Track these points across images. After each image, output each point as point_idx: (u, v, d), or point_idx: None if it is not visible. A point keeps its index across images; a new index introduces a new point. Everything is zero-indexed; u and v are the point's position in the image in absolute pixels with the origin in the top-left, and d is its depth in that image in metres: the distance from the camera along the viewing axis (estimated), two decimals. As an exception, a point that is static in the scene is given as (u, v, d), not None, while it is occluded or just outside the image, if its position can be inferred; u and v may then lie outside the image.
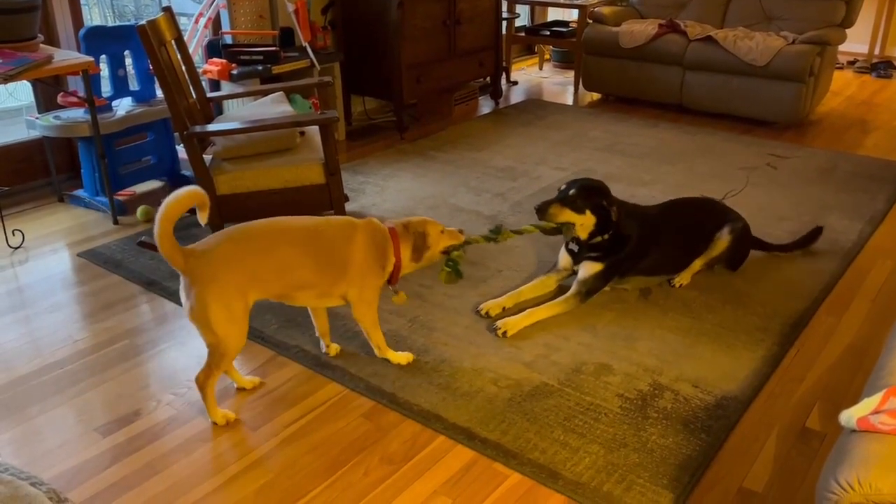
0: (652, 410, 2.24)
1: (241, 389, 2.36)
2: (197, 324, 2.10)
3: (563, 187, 2.75)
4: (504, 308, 2.75)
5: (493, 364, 2.46)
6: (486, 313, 2.72)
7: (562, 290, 2.85)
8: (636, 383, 2.36)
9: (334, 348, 2.51)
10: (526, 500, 1.93)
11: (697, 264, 2.94)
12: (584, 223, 2.70)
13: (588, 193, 2.69)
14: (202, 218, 2.09)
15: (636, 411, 2.24)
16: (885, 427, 1.33)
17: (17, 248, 3.30)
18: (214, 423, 2.21)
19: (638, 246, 2.78)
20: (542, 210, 2.68)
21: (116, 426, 2.21)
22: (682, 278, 2.91)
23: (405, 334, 2.63)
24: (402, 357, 2.46)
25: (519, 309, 2.74)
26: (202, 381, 2.17)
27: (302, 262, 2.20)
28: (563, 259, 2.87)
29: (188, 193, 2.00)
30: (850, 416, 1.41)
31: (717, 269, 3.02)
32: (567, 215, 2.68)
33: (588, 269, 2.76)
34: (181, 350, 2.57)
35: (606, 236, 2.73)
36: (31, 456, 2.09)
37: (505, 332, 2.60)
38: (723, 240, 2.92)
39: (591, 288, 2.76)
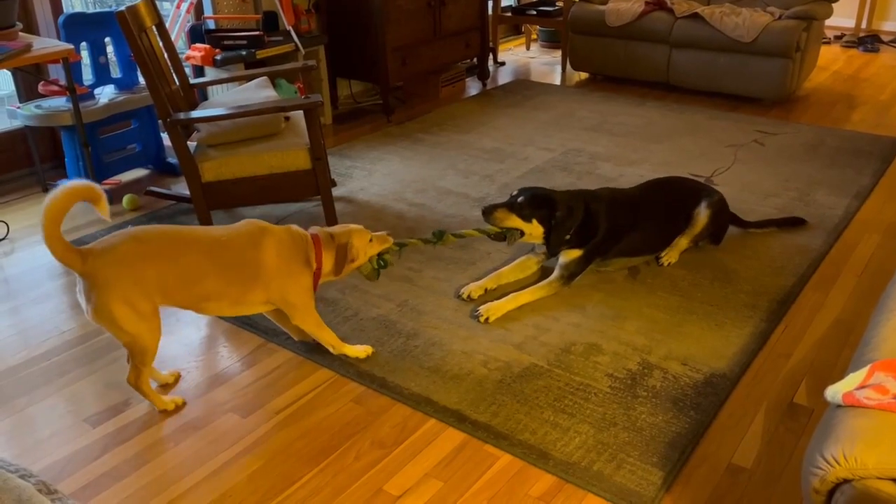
0: (641, 389, 2.25)
1: (163, 385, 2.32)
2: (104, 325, 2.05)
3: (514, 193, 2.75)
4: (486, 290, 2.75)
5: (483, 346, 2.46)
6: (468, 296, 2.72)
7: (544, 271, 2.86)
8: (625, 362, 2.37)
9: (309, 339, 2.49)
10: (517, 480, 1.94)
11: (683, 242, 2.94)
12: (532, 232, 2.69)
13: (537, 203, 2.68)
14: (102, 212, 2.00)
15: (625, 390, 2.25)
16: (869, 402, 1.34)
17: (2, 240, 3.28)
18: (164, 410, 2.20)
19: (613, 229, 2.78)
20: (487, 213, 2.66)
21: (106, 416, 2.21)
22: (670, 256, 2.92)
23: (394, 318, 2.63)
24: (361, 351, 2.41)
25: (502, 293, 2.74)
26: (134, 380, 2.15)
27: (207, 271, 2.12)
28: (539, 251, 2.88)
29: (68, 191, 1.89)
30: (835, 391, 1.42)
31: (703, 247, 3.03)
32: (513, 221, 2.66)
33: (568, 254, 2.76)
34: (169, 339, 2.56)
35: (571, 234, 2.71)
36: (20, 447, 2.08)
37: (487, 319, 2.59)
38: (702, 215, 2.93)
39: (573, 272, 2.76)
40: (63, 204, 1.90)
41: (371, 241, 2.35)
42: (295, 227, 2.30)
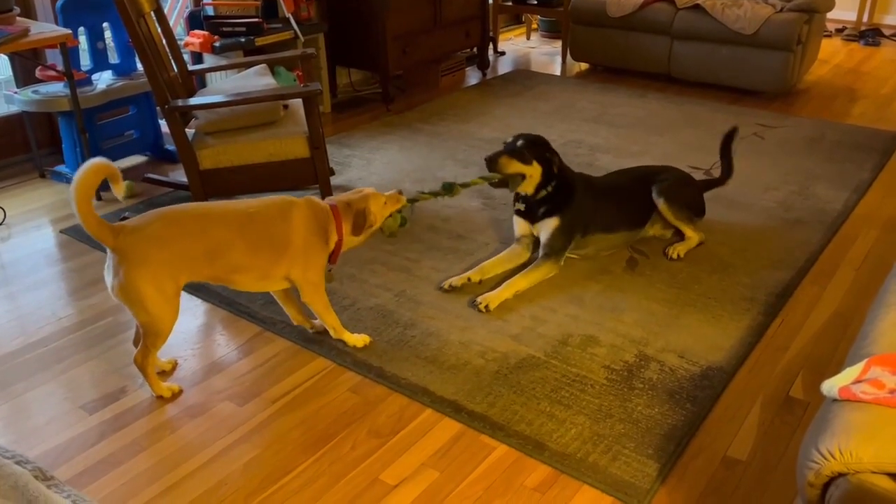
0: (638, 381, 2.25)
1: (161, 373, 2.32)
2: (127, 302, 2.07)
3: (509, 140, 2.81)
4: (469, 280, 2.74)
5: (480, 337, 2.46)
6: (451, 286, 2.71)
7: (532, 261, 2.86)
8: (622, 354, 2.37)
9: (319, 324, 2.49)
10: (513, 471, 1.94)
11: (666, 232, 3.01)
12: (532, 174, 2.75)
13: (534, 145, 2.76)
14: (117, 192, 2.05)
15: (622, 382, 2.25)
16: (866, 396, 1.34)
17: (-2, 225, 3.27)
18: (160, 397, 2.21)
19: (585, 195, 2.84)
20: (492, 160, 2.72)
21: (102, 403, 2.21)
22: (677, 249, 2.92)
23: (392, 308, 2.62)
24: (359, 339, 2.42)
25: (492, 284, 2.74)
26: (140, 361, 2.16)
27: (235, 245, 2.15)
28: (519, 226, 2.89)
29: (94, 168, 1.95)
30: (832, 385, 1.42)
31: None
32: (515, 166, 2.73)
33: (547, 227, 2.79)
34: (167, 326, 2.56)
35: (550, 188, 2.78)
36: (17, 433, 2.08)
37: (487, 306, 2.60)
38: (660, 201, 2.95)
39: (556, 246, 2.78)
40: (91, 181, 1.95)
41: (385, 203, 2.39)
42: (315, 198, 2.33)
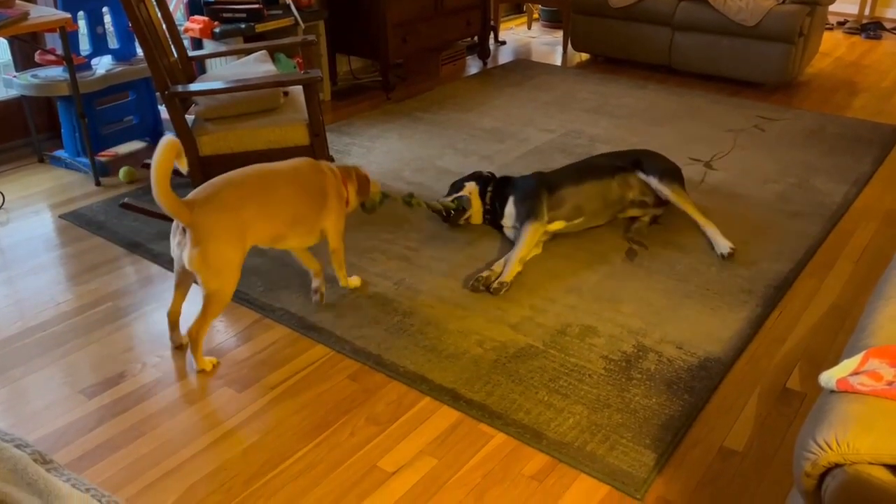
0: (636, 372, 2.26)
1: (178, 347, 2.39)
2: (206, 272, 2.14)
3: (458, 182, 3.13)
4: (518, 273, 2.73)
5: (479, 326, 2.47)
6: (506, 282, 2.63)
7: (543, 243, 2.92)
8: (620, 345, 2.38)
9: (322, 289, 2.60)
10: (510, 459, 1.95)
11: (645, 215, 3.08)
12: (471, 189, 3.05)
13: (469, 178, 3.11)
14: (182, 165, 2.12)
15: (620, 372, 2.26)
16: (864, 388, 1.34)
17: (-3, 210, 3.27)
18: (202, 371, 2.28)
19: (533, 175, 3.01)
20: (454, 208, 3.02)
21: (102, 388, 2.21)
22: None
23: (391, 297, 2.63)
24: (355, 280, 2.68)
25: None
26: (196, 331, 2.23)
27: (291, 199, 2.31)
28: (506, 230, 2.98)
29: (170, 145, 2.02)
30: (829, 377, 1.42)
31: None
32: (466, 192, 3.04)
33: (510, 205, 2.92)
34: (165, 312, 2.56)
35: (491, 187, 3.03)
36: (15, 417, 2.09)
37: (503, 283, 2.62)
38: (662, 186, 3.01)
39: (527, 209, 2.85)
40: (169, 158, 2.01)
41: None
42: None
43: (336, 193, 2.46)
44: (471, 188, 3.05)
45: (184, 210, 2.08)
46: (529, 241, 2.77)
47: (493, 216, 3.02)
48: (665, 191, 2.99)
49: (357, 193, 2.57)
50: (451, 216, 3.01)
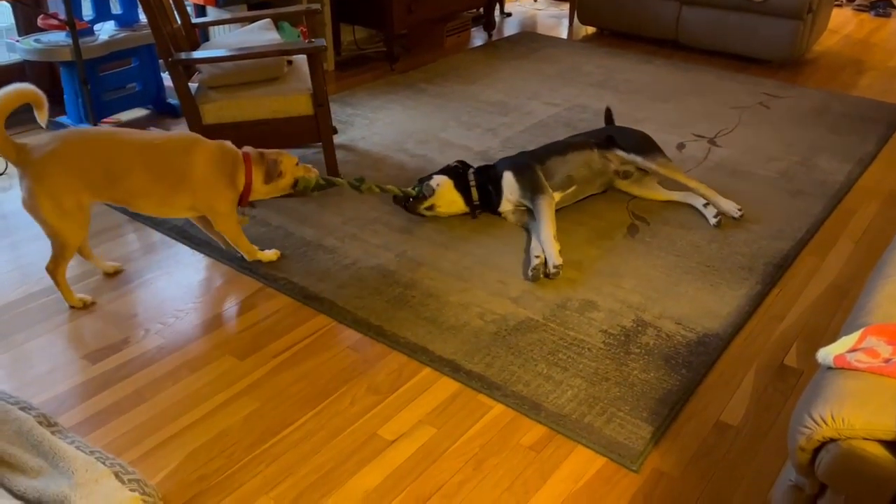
0: (634, 346, 2.28)
1: (106, 275, 2.58)
2: (31, 215, 2.26)
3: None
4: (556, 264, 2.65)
5: (480, 299, 2.48)
6: (556, 267, 2.59)
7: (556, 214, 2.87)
8: (620, 319, 2.39)
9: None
10: (509, 430, 1.98)
11: (632, 188, 3.13)
12: (441, 181, 2.92)
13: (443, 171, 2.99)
14: (41, 117, 2.22)
15: (619, 347, 2.27)
16: (860, 365, 1.36)
17: (0, 175, 3.26)
18: (72, 307, 2.41)
19: (513, 156, 3.01)
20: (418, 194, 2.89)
21: (105, 354, 2.23)
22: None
23: (392, 268, 2.64)
24: (271, 255, 2.66)
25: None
26: (52, 269, 2.35)
27: (134, 170, 2.31)
28: (505, 214, 2.95)
29: (22, 89, 2.13)
30: (827, 353, 1.43)
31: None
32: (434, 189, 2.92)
33: (508, 185, 2.89)
34: (168, 280, 2.57)
35: (472, 177, 2.93)
36: (20, 381, 2.11)
37: (556, 266, 2.57)
38: (647, 161, 3.03)
39: (530, 185, 2.85)
40: (12, 102, 2.14)
41: (297, 164, 2.59)
42: (228, 143, 2.50)
43: (205, 179, 2.39)
44: (440, 180, 2.91)
45: (10, 150, 2.17)
46: (550, 216, 2.74)
47: (487, 200, 2.92)
48: (651, 165, 3.01)
49: (265, 178, 2.49)
50: (409, 203, 2.90)
